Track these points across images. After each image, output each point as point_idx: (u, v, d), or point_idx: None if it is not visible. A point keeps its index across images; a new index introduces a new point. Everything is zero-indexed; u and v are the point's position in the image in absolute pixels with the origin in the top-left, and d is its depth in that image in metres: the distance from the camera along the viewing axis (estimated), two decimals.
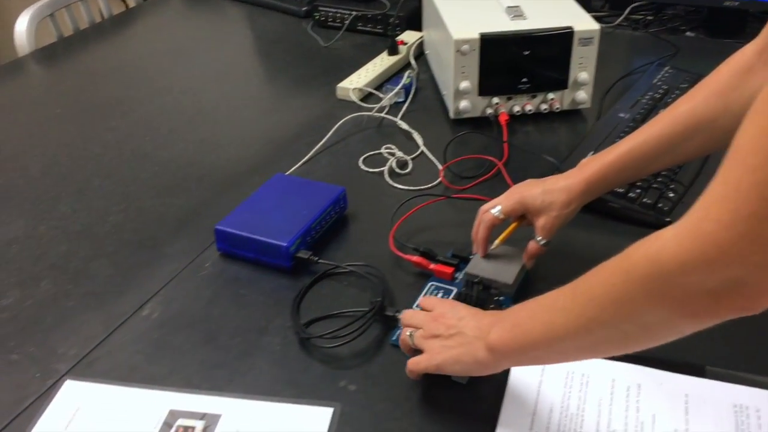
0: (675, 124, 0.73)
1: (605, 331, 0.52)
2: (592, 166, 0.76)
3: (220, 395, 0.68)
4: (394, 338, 0.74)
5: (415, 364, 0.66)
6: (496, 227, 0.79)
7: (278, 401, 0.67)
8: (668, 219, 0.86)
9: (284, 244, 0.81)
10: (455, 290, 0.79)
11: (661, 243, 0.47)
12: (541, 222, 0.77)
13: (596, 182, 0.76)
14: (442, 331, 0.65)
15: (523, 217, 0.80)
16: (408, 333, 0.68)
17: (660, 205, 0.87)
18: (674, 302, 0.47)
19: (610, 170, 0.76)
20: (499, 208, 0.79)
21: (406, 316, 0.70)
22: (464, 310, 0.67)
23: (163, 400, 0.68)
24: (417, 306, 0.76)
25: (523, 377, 0.68)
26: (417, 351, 0.67)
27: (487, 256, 0.80)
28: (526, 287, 0.79)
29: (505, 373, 0.69)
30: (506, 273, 0.78)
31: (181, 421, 0.66)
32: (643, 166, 0.76)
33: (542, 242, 0.77)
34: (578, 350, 0.56)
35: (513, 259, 0.80)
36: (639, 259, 0.48)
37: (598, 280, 0.52)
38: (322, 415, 0.66)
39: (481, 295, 0.76)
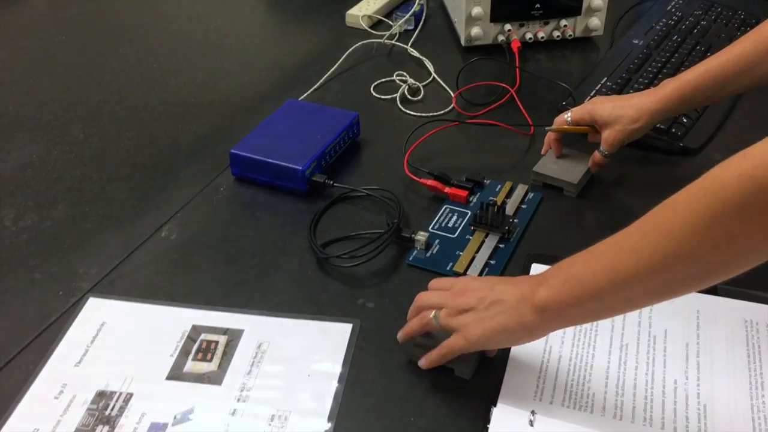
0: (758, 42, 0.72)
1: (685, 265, 0.49)
2: (669, 86, 0.77)
3: (242, 312, 0.70)
4: (410, 258, 0.75)
5: (448, 348, 0.60)
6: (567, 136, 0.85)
7: (299, 317, 0.69)
8: (681, 144, 0.87)
9: (300, 168, 0.82)
10: (469, 213, 0.80)
11: (756, 161, 0.45)
12: (605, 134, 0.79)
13: (672, 101, 0.76)
14: (473, 303, 0.59)
15: (594, 129, 0.82)
16: (432, 314, 0.61)
17: (673, 130, 0.88)
18: None
19: (687, 88, 0.76)
20: (569, 114, 0.82)
21: (422, 297, 0.64)
22: (493, 279, 0.63)
23: (185, 316, 0.69)
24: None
25: None
26: (422, 350, 0.63)
27: (555, 158, 0.85)
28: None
29: None
30: (572, 173, 0.82)
31: (204, 336, 0.67)
32: (720, 86, 0.75)
33: (605, 153, 0.80)
34: (649, 293, 0.52)
35: (579, 161, 0.84)
36: (730, 179, 0.46)
37: (674, 212, 0.49)
38: (342, 330, 0.68)
39: (496, 217, 0.77)
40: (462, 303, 0.60)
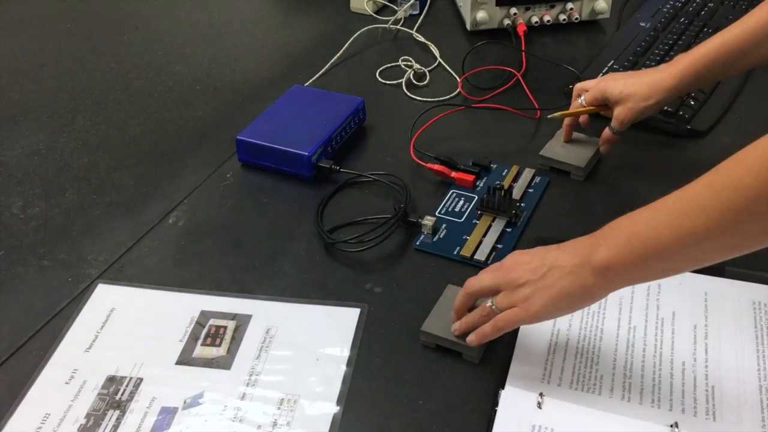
0: None
1: (759, 222, 0.48)
2: (682, 61, 0.75)
3: (250, 297, 0.70)
4: (417, 243, 0.75)
5: (505, 321, 0.59)
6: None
7: (307, 302, 0.69)
8: (689, 126, 0.86)
9: (306, 153, 0.82)
10: (476, 197, 0.80)
11: None
12: (616, 111, 0.78)
13: (687, 75, 0.74)
14: (528, 276, 0.58)
15: (607, 107, 0.80)
16: (490, 304, 0.60)
17: (681, 113, 0.87)
18: None
19: (701, 63, 0.74)
20: (583, 97, 0.81)
21: (473, 282, 0.62)
22: (542, 249, 0.60)
23: (194, 302, 0.69)
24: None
25: None
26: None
27: (562, 141, 0.85)
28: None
29: None
30: (579, 157, 0.82)
31: (213, 321, 0.68)
32: (736, 59, 0.73)
33: (615, 130, 0.80)
34: (719, 250, 0.51)
35: (587, 145, 0.84)
36: None
37: (748, 168, 0.48)
38: (350, 314, 0.68)
39: (503, 201, 0.77)
40: (516, 278, 0.59)
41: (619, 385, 0.60)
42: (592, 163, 0.83)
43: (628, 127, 0.79)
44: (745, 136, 0.50)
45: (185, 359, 0.64)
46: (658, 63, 0.95)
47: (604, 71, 0.95)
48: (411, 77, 1.00)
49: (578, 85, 0.84)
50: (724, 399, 0.59)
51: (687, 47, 0.98)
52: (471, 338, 0.61)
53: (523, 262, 0.59)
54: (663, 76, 0.76)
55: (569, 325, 0.65)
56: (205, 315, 0.68)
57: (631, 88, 0.77)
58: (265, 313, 0.68)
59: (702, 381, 0.60)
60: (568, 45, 1.08)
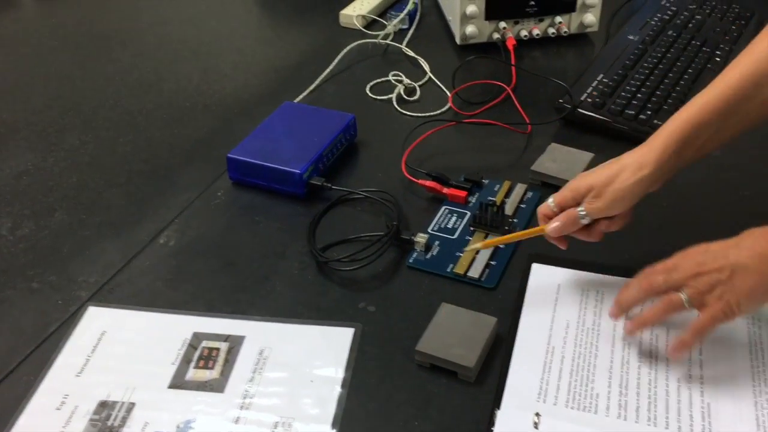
0: (758, 62, 0.63)
1: None
2: (661, 131, 0.65)
3: (243, 318, 0.69)
4: (410, 261, 0.75)
5: (712, 321, 0.58)
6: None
7: (300, 323, 0.69)
8: None
9: (298, 171, 0.82)
10: (469, 214, 0.80)
11: None
12: (607, 195, 0.64)
13: (670, 145, 0.64)
14: (716, 276, 0.57)
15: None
16: (684, 297, 0.59)
17: None
18: None
19: (686, 128, 0.63)
20: (551, 199, 0.68)
21: (654, 278, 0.60)
22: (717, 246, 0.59)
23: (186, 324, 0.69)
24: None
25: (539, 296, 0.69)
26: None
27: (554, 156, 0.84)
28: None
29: (521, 292, 0.70)
30: (570, 172, 0.80)
31: (206, 343, 0.67)
32: (724, 118, 0.64)
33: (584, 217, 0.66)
34: None
35: (578, 160, 0.83)
36: None
37: None
38: (345, 334, 0.67)
39: (495, 217, 0.77)
40: (704, 278, 0.58)
41: (615, 404, 0.59)
42: None
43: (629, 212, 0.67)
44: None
45: (178, 383, 0.64)
46: (647, 76, 0.96)
47: (593, 84, 0.95)
48: (401, 92, 1.00)
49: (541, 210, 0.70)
50: (720, 416, 0.58)
51: (675, 60, 0.99)
52: (675, 347, 0.60)
53: (703, 262, 0.59)
54: (643, 150, 0.65)
55: (564, 342, 0.65)
56: (197, 337, 0.68)
57: (616, 166, 0.65)
58: (258, 334, 0.68)
59: (698, 398, 0.60)
60: (557, 58, 1.09)
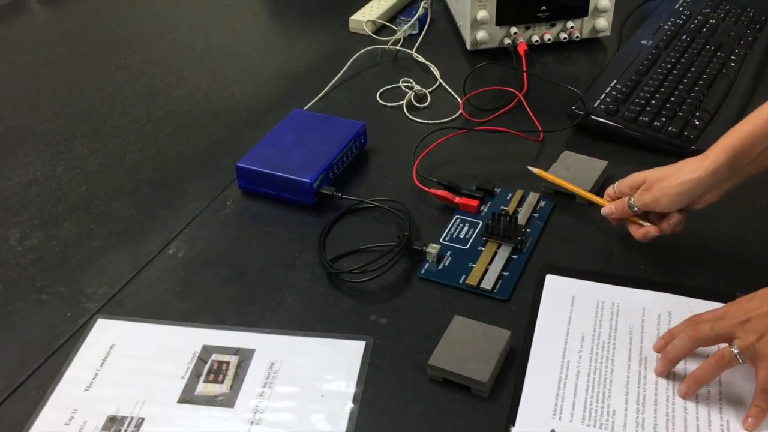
0: None
1: None
2: (716, 145, 0.67)
3: (253, 330, 0.68)
4: (422, 272, 0.74)
5: None
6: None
7: (311, 335, 0.68)
8: (694, 147, 0.85)
9: (308, 180, 0.81)
10: (481, 223, 0.79)
11: None
12: (655, 191, 0.69)
13: (724, 156, 0.66)
14: (764, 322, 0.57)
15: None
16: (736, 351, 0.57)
17: (686, 133, 0.86)
18: None
19: (738, 143, 0.66)
20: (616, 183, 0.73)
21: (703, 331, 0.59)
22: (762, 291, 0.59)
23: (196, 336, 0.68)
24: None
25: (553, 308, 0.68)
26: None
27: (567, 164, 0.83)
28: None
29: (535, 304, 0.69)
30: (584, 180, 0.81)
31: (216, 356, 0.66)
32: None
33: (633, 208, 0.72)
34: None
35: (592, 168, 0.83)
36: None
37: None
38: (356, 348, 0.66)
39: (508, 227, 0.76)
40: (755, 325, 0.57)
41: (633, 421, 0.58)
42: (598, 185, 0.82)
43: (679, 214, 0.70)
44: None
45: (187, 397, 0.63)
46: (662, 81, 0.94)
47: (606, 90, 0.94)
48: (412, 99, 0.99)
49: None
50: None
51: (690, 65, 0.97)
52: (751, 425, 0.58)
53: (750, 309, 0.58)
54: (698, 158, 0.68)
55: (579, 356, 0.64)
56: (207, 350, 0.67)
57: (671, 168, 0.69)
58: (269, 347, 0.67)
59: (717, 416, 0.58)
60: (569, 63, 1.07)
